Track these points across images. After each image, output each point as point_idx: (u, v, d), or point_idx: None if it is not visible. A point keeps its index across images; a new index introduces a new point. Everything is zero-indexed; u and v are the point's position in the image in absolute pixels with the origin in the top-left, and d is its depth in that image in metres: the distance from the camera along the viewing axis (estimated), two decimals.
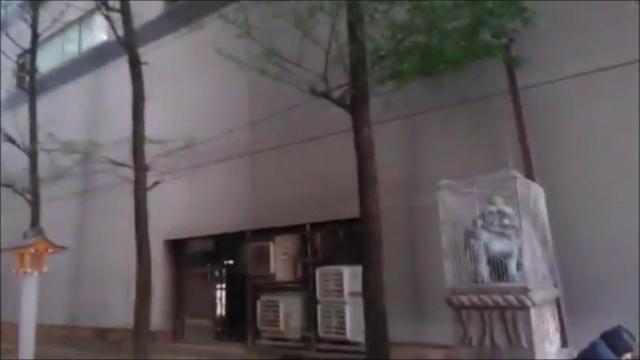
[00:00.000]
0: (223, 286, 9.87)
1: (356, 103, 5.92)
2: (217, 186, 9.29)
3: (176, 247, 10.11)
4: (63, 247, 9.48)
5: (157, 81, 9.19)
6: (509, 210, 4.30)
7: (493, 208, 4.37)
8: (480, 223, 4.31)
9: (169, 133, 9.05)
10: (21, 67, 13.47)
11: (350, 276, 7.04)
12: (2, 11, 13.47)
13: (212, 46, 6.72)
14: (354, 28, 5.82)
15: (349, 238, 7.46)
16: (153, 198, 8.33)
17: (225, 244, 9.49)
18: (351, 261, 6.95)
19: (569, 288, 5.21)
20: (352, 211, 5.97)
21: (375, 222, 5.68)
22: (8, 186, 11.01)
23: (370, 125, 5.92)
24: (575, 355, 3.52)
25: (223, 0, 8.40)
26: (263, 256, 7.97)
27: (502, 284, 4.04)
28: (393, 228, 6.32)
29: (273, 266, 7.92)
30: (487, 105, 6.27)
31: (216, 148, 9.07)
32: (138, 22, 9.13)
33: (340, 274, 7.13)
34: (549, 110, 5.87)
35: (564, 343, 4.96)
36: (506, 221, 4.28)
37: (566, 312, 5.20)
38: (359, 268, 5.78)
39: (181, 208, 9.64)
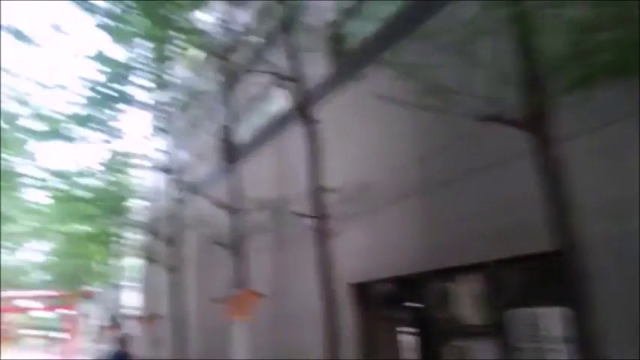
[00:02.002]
0: (408, 329, 9.56)
1: (535, 122, 5.34)
2: (394, 227, 9.26)
3: (360, 290, 10.25)
4: (264, 296, 10.52)
5: (330, 134, 9.86)
6: None
7: None
8: None
9: (345, 180, 9.50)
10: (223, 142, 15.88)
11: (549, 318, 6.13)
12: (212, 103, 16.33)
13: (374, 93, 6.94)
14: (523, 40, 5.36)
15: (541, 275, 6.56)
16: (336, 243, 8.71)
17: (407, 285, 9.26)
18: (546, 301, 6.07)
19: None
20: (541, 243, 5.26)
21: (575, 253, 4.88)
22: (219, 243, 12.82)
23: (556, 144, 5.26)
24: None
25: (382, 45, 8.70)
26: (446, 298, 7.51)
27: None
28: (600, 259, 5.36)
29: (457, 309, 7.38)
30: None
31: (389, 189, 9.13)
32: (309, 83, 10.05)
33: (538, 317, 6.26)
34: None
35: None
36: None
37: None
38: (558, 309, 4.99)
39: (362, 251, 9.82)
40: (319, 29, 11.10)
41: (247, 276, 12.01)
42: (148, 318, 20.79)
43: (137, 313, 26.44)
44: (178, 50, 15.53)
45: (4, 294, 34.24)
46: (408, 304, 9.67)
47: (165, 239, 17.55)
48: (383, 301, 10.14)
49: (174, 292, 16.86)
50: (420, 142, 8.83)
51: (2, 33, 15.45)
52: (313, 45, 10.08)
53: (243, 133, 16.33)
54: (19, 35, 15.47)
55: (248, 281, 11.63)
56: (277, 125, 14.32)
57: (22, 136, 19.65)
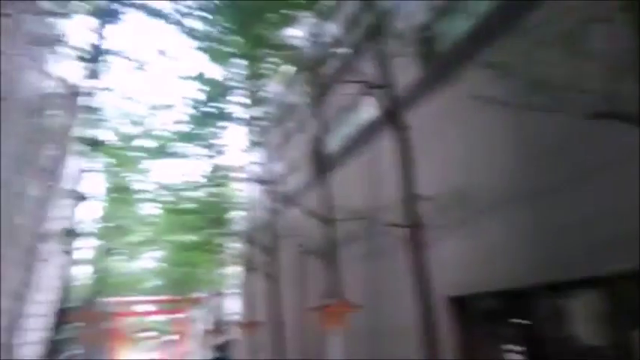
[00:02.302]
0: (514, 348, 8.84)
1: None
2: (497, 236, 8.66)
3: (460, 304, 9.72)
4: (359, 306, 10.42)
5: (424, 140, 9.54)
6: None
7: None
8: None
9: (441, 188, 9.11)
10: (315, 153, 16.14)
11: None
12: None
13: (470, 95, 6.58)
14: None
15: None
16: (433, 254, 8.36)
17: (513, 300, 8.59)
18: None
19: None
20: None
21: None
22: (311, 253, 12.98)
23: None
24: None
25: (476, 45, 8.27)
26: (558, 315, 6.82)
27: None
28: None
29: (572, 327, 6.67)
30: None
31: (491, 196, 8.57)
32: (399, 89, 9.84)
33: None
34: None
35: None
36: None
37: None
38: None
39: (462, 262, 9.32)
40: (408, 33, 10.86)
41: (340, 286, 11.98)
42: (248, 324, 21.65)
43: (238, 319, 27.65)
44: (271, 66, 16.14)
45: (123, 299, 37.88)
46: (514, 320, 8.97)
47: (263, 248, 18.19)
48: (486, 316, 9.51)
49: (271, 299, 17.36)
50: (524, 144, 8.19)
51: (116, 60, 17.19)
52: (402, 50, 9.88)
53: (335, 143, 16.45)
54: (130, 61, 17.10)
55: (341, 291, 11.60)
56: (368, 133, 14.22)
57: (136, 154, 21.66)
